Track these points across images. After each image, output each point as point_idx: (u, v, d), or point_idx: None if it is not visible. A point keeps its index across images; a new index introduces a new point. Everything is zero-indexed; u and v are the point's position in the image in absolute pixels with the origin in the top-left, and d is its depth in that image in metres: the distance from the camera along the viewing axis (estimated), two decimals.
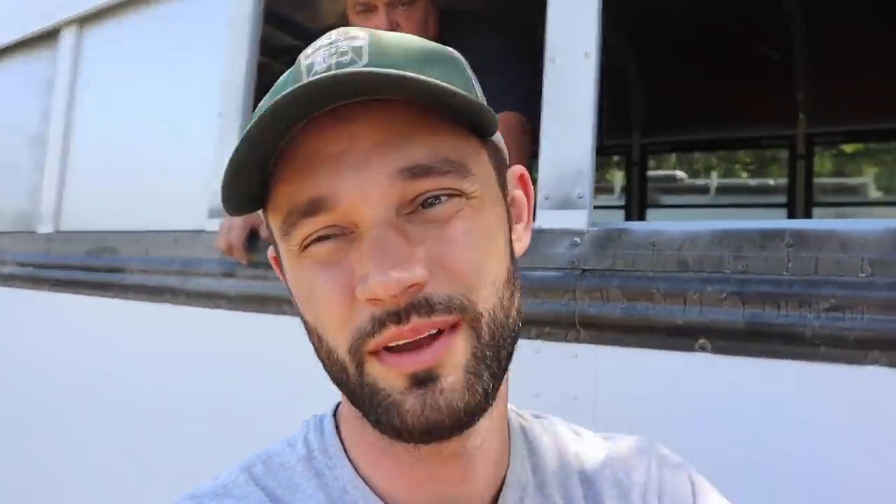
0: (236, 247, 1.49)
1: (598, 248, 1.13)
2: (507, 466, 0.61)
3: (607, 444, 0.69)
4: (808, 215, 2.79)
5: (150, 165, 1.79)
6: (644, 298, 1.08)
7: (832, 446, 0.96)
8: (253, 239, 1.51)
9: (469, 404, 0.50)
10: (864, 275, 0.96)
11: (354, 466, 0.59)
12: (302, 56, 0.53)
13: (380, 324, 0.49)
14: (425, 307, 0.49)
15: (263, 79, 1.64)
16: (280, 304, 1.47)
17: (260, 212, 0.58)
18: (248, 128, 0.49)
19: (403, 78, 0.47)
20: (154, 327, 1.71)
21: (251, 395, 1.50)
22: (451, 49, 0.57)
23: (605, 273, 1.12)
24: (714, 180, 6.12)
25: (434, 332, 0.50)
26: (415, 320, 0.49)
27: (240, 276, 1.54)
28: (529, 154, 1.52)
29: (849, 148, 5.36)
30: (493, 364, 0.52)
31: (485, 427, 0.56)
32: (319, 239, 0.51)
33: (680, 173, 5.53)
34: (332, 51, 0.51)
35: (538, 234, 1.17)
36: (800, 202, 2.82)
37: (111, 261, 1.82)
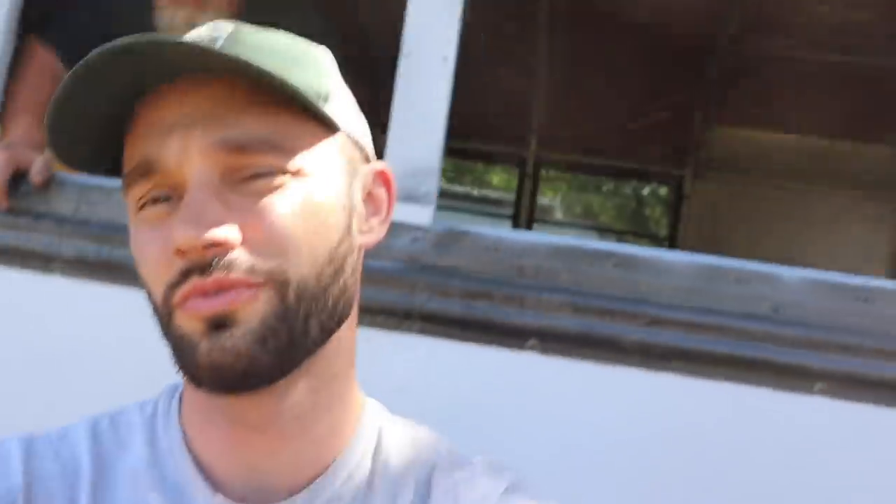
0: None
1: (440, 246, 1.17)
2: (338, 456, 0.60)
3: (468, 468, 0.65)
4: (529, 227, 3.14)
5: None
6: (482, 298, 1.14)
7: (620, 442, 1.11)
8: (17, 183, 1.28)
9: (258, 357, 0.52)
10: (673, 298, 1.13)
11: (184, 429, 0.61)
12: None
13: (184, 275, 0.52)
14: (228, 266, 0.52)
15: None
16: (48, 261, 1.27)
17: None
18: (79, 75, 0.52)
19: (226, 57, 0.51)
20: None
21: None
22: (317, 46, 0.62)
23: (446, 270, 1.16)
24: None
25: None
26: (217, 274, 0.51)
27: None
28: None
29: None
30: (294, 328, 0.54)
31: (303, 399, 0.58)
32: (153, 202, 0.55)
33: None
34: (193, 36, 0.57)
35: None
36: (522, 217, 3.15)
37: None
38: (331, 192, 0.58)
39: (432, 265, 1.16)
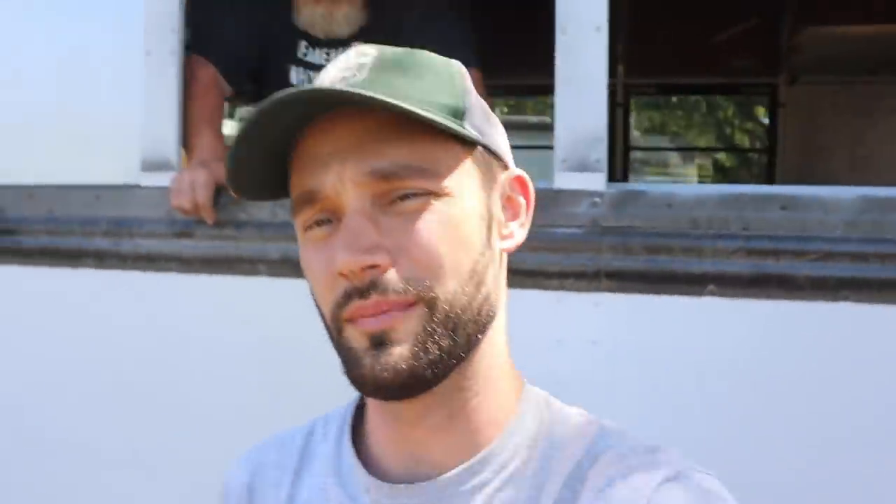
0: (204, 205, 1.39)
1: (617, 207, 1.28)
2: (492, 445, 0.65)
3: (624, 461, 0.63)
4: (626, 156, 3.20)
5: (51, 112, 1.55)
6: (662, 252, 1.26)
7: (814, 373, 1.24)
8: (218, 196, 1.42)
9: (415, 370, 0.59)
10: (839, 232, 1.23)
11: (366, 419, 0.70)
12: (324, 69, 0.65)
13: (347, 296, 0.59)
14: (383, 287, 0.58)
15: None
16: (254, 263, 1.42)
17: None
18: (256, 121, 0.60)
19: (371, 97, 0.57)
20: (68, 295, 1.52)
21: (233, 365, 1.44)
22: (454, 64, 0.66)
23: (626, 230, 1.28)
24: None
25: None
26: (374, 297, 0.58)
27: (199, 237, 1.44)
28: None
29: None
30: (444, 341, 0.60)
31: (453, 399, 0.64)
32: (318, 223, 0.62)
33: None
34: (342, 64, 0.63)
35: (558, 194, 1.29)
36: (618, 146, 3.20)
37: None
38: (472, 208, 0.63)
39: (612, 226, 1.28)
